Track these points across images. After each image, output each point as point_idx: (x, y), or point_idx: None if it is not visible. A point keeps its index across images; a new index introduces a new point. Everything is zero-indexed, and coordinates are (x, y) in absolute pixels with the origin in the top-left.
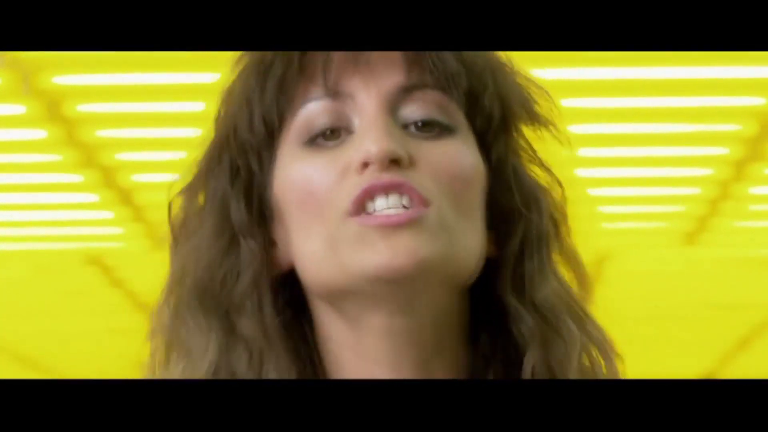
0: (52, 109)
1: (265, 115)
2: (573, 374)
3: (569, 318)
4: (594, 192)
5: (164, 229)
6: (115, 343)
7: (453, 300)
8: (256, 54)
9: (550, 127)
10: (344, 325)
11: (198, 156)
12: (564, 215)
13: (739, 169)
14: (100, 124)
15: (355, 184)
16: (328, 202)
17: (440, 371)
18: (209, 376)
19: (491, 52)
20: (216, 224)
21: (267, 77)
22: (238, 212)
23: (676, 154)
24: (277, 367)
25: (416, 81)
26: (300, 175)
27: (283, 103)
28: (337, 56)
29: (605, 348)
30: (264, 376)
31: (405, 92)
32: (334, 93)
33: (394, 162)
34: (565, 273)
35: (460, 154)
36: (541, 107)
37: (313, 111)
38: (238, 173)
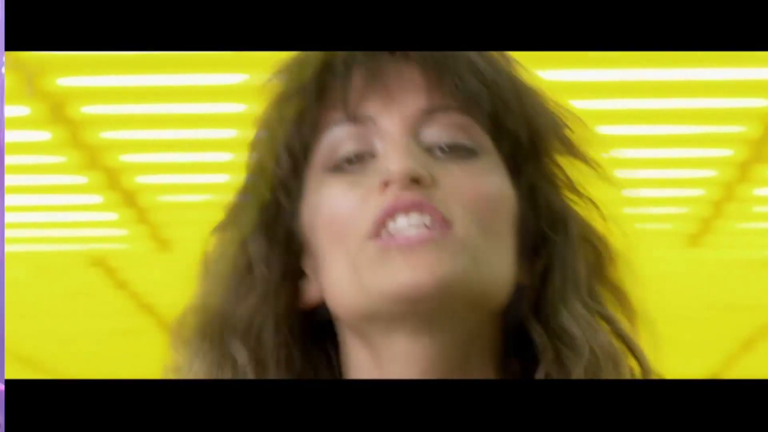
0: (56, 110)
1: (289, 145)
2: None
3: (596, 347)
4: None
5: (170, 233)
6: (119, 344)
7: (481, 325)
8: (275, 85)
9: (589, 161)
10: (369, 354)
11: (233, 193)
12: (606, 246)
13: (744, 170)
14: (104, 125)
15: (376, 205)
16: (350, 226)
17: None
18: None
19: (517, 76)
20: (235, 256)
21: (285, 107)
22: (254, 243)
23: (680, 155)
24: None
25: (438, 103)
26: (324, 201)
27: (306, 132)
28: (355, 79)
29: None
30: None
31: (427, 115)
32: (355, 117)
33: (415, 181)
34: (611, 305)
35: (483, 176)
36: (575, 134)
37: (336, 136)
38: (265, 209)
